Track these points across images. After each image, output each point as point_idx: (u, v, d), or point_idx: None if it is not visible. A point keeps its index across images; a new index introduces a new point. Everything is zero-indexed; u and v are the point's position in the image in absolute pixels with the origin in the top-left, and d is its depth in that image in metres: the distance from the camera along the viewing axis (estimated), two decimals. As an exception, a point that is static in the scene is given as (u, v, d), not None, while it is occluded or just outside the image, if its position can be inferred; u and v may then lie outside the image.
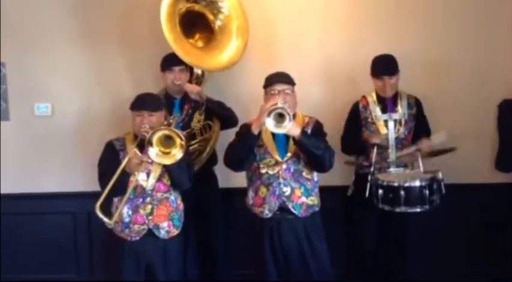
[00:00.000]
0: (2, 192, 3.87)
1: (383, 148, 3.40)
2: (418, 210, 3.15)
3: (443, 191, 3.19)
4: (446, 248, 3.86)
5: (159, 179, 2.95)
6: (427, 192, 3.12)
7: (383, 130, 3.43)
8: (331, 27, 3.83)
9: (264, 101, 2.98)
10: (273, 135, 2.96)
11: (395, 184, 3.14)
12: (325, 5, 3.83)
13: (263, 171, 2.96)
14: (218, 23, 3.58)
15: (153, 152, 2.76)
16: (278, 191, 2.94)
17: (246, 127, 2.96)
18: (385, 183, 3.17)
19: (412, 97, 3.55)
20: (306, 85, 3.64)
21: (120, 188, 2.83)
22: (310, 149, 2.86)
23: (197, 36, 3.62)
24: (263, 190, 2.97)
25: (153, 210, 2.92)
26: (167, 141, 2.79)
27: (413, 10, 3.79)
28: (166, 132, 2.78)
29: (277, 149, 2.98)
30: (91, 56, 3.85)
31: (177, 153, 2.78)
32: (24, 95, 3.88)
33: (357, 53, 3.73)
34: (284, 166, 2.95)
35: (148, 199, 2.93)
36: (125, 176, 2.83)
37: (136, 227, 2.91)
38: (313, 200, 3.01)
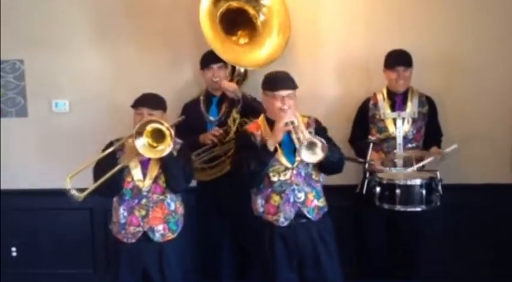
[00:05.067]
0: (19, 188, 3.95)
1: (390, 147, 3.40)
2: (414, 209, 3.10)
3: (441, 192, 3.12)
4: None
5: (155, 181, 2.90)
6: (424, 191, 3.06)
7: (391, 128, 3.41)
8: (351, 25, 3.79)
9: (264, 102, 2.91)
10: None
11: (392, 182, 3.09)
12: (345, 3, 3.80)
13: (274, 179, 2.84)
14: (261, 17, 3.57)
15: (141, 142, 2.73)
16: (293, 197, 2.83)
17: (247, 138, 2.89)
18: (383, 181, 3.12)
19: (424, 95, 3.49)
20: (324, 82, 3.69)
21: (112, 182, 2.80)
22: (333, 159, 2.79)
23: (239, 33, 3.63)
24: (275, 198, 2.85)
25: (148, 213, 2.88)
26: (158, 136, 2.74)
27: (434, 9, 3.74)
28: (160, 126, 2.73)
29: (284, 154, 2.86)
30: (109, 53, 3.88)
31: (163, 150, 2.72)
32: (42, 92, 3.93)
33: (375, 51, 3.65)
34: (295, 171, 2.85)
35: (143, 201, 2.89)
36: (120, 171, 2.82)
37: (131, 228, 2.88)
38: (323, 201, 2.95)
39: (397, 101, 3.47)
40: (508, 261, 3.78)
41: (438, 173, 3.15)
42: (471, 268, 3.79)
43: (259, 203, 2.93)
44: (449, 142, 3.51)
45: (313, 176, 2.91)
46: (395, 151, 3.39)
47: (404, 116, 3.41)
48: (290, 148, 2.86)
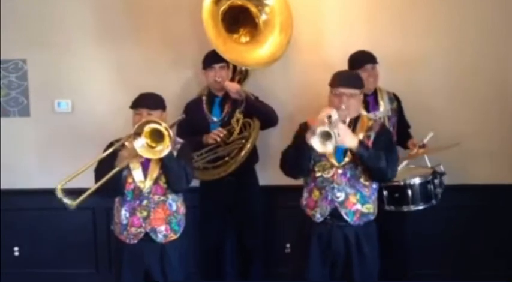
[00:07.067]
0: (21, 187, 3.96)
1: None
2: (425, 206, 3.10)
3: (444, 184, 3.14)
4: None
5: (156, 182, 2.88)
6: (432, 187, 3.06)
7: None
8: (353, 24, 3.79)
9: (328, 99, 2.87)
10: None
11: (401, 183, 3.05)
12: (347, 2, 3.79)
13: (318, 174, 2.83)
14: (263, 16, 3.56)
15: (140, 143, 2.71)
16: (331, 195, 2.80)
17: (301, 129, 2.88)
18: (389, 183, 3.07)
19: (391, 93, 3.52)
20: (326, 81, 3.67)
21: (112, 184, 2.80)
22: (369, 162, 2.72)
23: (241, 31, 3.62)
24: (316, 193, 2.85)
25: (149, 213, 2.87)
26: (157, 136, 2.72)
27: (435, 9, 3.73)
28: (158, 126, 2.70)
29: (334, 152, 2.81)
30: (111, 53, 3.87)
31: (162, 151, 2.70)
32: (45, 92, 3.93)
33: (377, 50, 3.57)
34: (340, 171, 2.80)
35: (145, 202, 2.87)
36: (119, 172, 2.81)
37: (133, 229, 2.87)
38: (369, 208, 2.84)
39: (369, 101, 3.48)
40: (507, 263, 3.77)
41: (442, 166, 3.17)
42: (471, 270, 3.80)
43: (304, 196, 2.95)
44: (449, 142, 3.51)
45: (362, 180, 2.82)
46: None
47: (380, 116, 3.43)
48: (342, 148, 2.81)
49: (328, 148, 2.62)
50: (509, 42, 3.73)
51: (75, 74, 3.89)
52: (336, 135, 2.59)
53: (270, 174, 3.64)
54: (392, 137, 3.10)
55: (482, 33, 3.72)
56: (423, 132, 3.54)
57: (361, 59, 3.41)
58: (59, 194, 2.75)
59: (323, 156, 2.82)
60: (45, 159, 3.96)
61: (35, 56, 3.89)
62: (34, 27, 3.86)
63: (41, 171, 3.96)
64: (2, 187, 3.93)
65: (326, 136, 2.61)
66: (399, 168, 3.28)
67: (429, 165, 3.25)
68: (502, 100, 3.77)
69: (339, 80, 2.83)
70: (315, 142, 2.62)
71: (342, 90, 2.80)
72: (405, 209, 3.09)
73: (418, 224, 3.50)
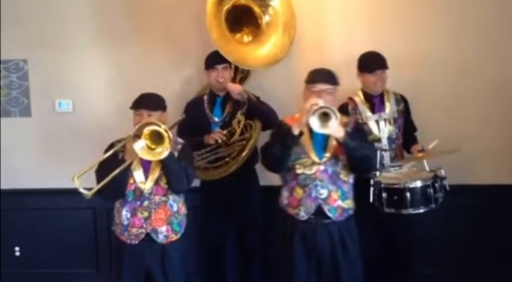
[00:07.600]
0: (22, 187, 3.96)
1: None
2: (424, 210, 3.09)
3: (447, 188, 3.13)
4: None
5: (157, 182, 2.89)
6: (431, 191, 3.05)
7: (375, 130, 3.40)
8: (355, 24, 3.79)
9: (303, 96, 2.89)
10: (311, 134, 2.82)
11: (401, 186, 3.06)
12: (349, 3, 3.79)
13: (299, 171, 2.84)
14: (266, 17, 3.56)
15: (140, 145, 2.71)
16: (315, 193, 2.81)
17: (282, 126, 2.87)
18: (390, 186, 3.08)
19: (398, 94, 3.51)
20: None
21: (115, 184, 2.80)
22: (357, 150, 2.74)
23: (244, 30, 3.63)
24: (299, 191, 2.85)
25: (150, 214, 2.87)
26: (156, 138, 2.72)
27: (436, 9, 3.73)
28: (158, 128, 2.70)
29: (314, 149, 2.84)
30: (112, 53, 3.88)
31: (161, 153, 2.70)
32: (46, 92, 3.94)
33: (379, 50, 3.56)
34: (322, 167, 2.83)
35: (146, 202, 2.87)
36: (123, 172, 2.81)
37: (134, 230, 2.88)
38: (349, 203, 2.89)
39: (375, 102, 3.46)
40: (508, 264, 3.77)
41: (442, 171, 3.16)
42: (471, 270, 3.80)
43: (284, 196, 2.95)
44: (451, 142, 3.51)
45: (341, 176, 2.87)
46: (383, 153, 3.38)
47: (386, 117, 3.42)
48: (321, 144, 2.86)
49: (330, 127, 2.64)
50: (510, 42, 3.72)
51: (76, 74, 3.90)
52: (336, 113, 2.61)
53: (270, 174, 3.59)
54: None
55: (482, 33, 3.72)
56: (423, 131, 3.56)
57: (373, 64, 3.39)
58: (76, 184, 2.77)
59: (303, 153, 2.84)
60: (45, 159, 3.96)
61: (35, 56, 3.90)
62: (35, 27, 3.87)
63: (42, 171, 3.97)
64: (2, 187, 3.93)
65: (324, 116, 2.63)
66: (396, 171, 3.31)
67: (427, 168, 3.24)
68: (502, 100, 3.77)
69: (318, 76, 2.87)
70: (314, 123, 2.63)
71: (321, 86, 2.83)
72: (404, 212, 3.09)
73: (419, 225, 3.49)
